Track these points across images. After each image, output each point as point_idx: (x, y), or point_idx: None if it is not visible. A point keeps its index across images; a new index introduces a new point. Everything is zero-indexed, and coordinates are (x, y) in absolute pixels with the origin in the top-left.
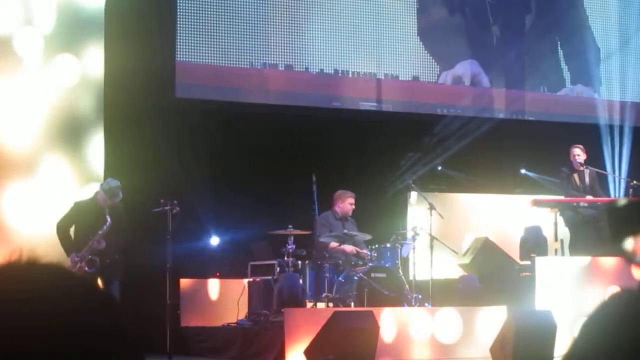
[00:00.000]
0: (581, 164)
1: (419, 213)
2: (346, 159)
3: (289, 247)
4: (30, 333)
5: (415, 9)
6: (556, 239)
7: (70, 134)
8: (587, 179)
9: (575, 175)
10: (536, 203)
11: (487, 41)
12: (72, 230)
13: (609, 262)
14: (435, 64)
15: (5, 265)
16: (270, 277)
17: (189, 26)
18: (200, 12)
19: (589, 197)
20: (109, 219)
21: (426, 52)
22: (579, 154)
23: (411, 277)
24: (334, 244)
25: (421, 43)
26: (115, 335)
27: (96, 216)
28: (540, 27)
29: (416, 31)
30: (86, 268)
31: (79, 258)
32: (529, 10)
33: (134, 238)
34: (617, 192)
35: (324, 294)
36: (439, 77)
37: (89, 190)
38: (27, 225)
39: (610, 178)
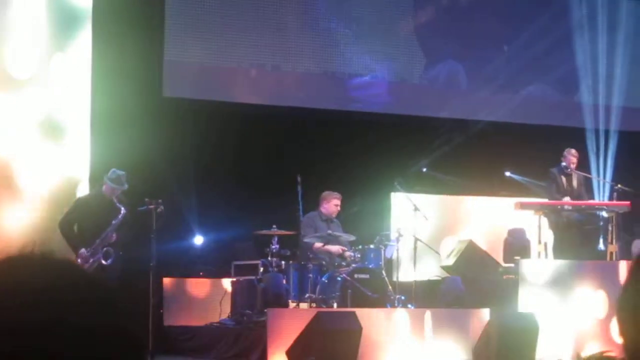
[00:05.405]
0: (567, 167)
1: (404, 214)
2: (332, 160)
3: (273, 247)
4: (37, 327)
5: (405, 12)
6: (540, 242)
7: (56, 132)
8: (574, 183)
9: (563, 178)
10: (521, 206)
11: (476, 44)
12: (75, 227)
13: (592, 265)
14: (423, 66)
15: (18, 257)
16: (254, 277)
17: (177, 25)
18: (189, 11)
19: (572, 200)
20: (122, 209)
21: (414, 54)
22: (574, 161)
23: (395, 279)
24: (319, 244)
25: (409, 45)
26: (121, 336)
27: (104, 208)
28: (530, 31)
29: (404, 33)
30: (102, 261)
31: (90, 252)
32: (519, 14)
33: (133, 236)
34: (602, 196)
35: (307, 295)
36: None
37: (81, 190)
38: (11, 226)
39: (595, 182)
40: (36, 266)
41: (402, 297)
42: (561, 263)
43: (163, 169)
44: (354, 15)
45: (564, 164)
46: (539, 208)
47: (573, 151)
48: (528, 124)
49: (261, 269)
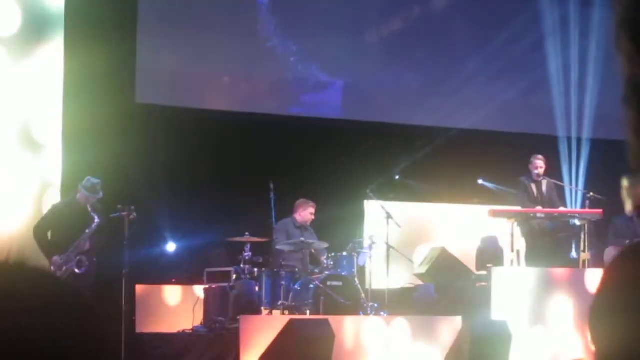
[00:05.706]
0: (539, 175)
1: (376, 222)
2: (305, 167)
3: (246, 254)
4: (10, 334)
5: (378, 17)
6: (512, 250)
7: (29, 139)
8: (544, 190)
9: (533, 186)
10: (495, 213)
11: (447, 52)
12: (49, 234)
13: (564, 273)
14: (396, 72)
15: None
16: (226, 284)
17: (150, 31)
18: (162, 17)
19: (545, 208)
20: (97, 218)
21: (388, 60)
22: (541, 165)
23: (367, 286)
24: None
25: (382, 51)
26: (94, 345)
27: (79, 216)
28: (502, 38)
29: (377, 39)
30: (75, 269)
31: (63, 260)
32: (490, 21)
33: (107, 243)
34: (575, 204)
35: (280, 302)
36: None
37: (55, 197)
38: None
39: (567, 190)
40: (11, 274)
41: (375, 305)
42: (534, 271)
43: (136, 176)
44: (329, 22)
45: (535, 171)
46: (512, 215)
47: (539, 156)
48: (501, 132)
49: (234, 276)
